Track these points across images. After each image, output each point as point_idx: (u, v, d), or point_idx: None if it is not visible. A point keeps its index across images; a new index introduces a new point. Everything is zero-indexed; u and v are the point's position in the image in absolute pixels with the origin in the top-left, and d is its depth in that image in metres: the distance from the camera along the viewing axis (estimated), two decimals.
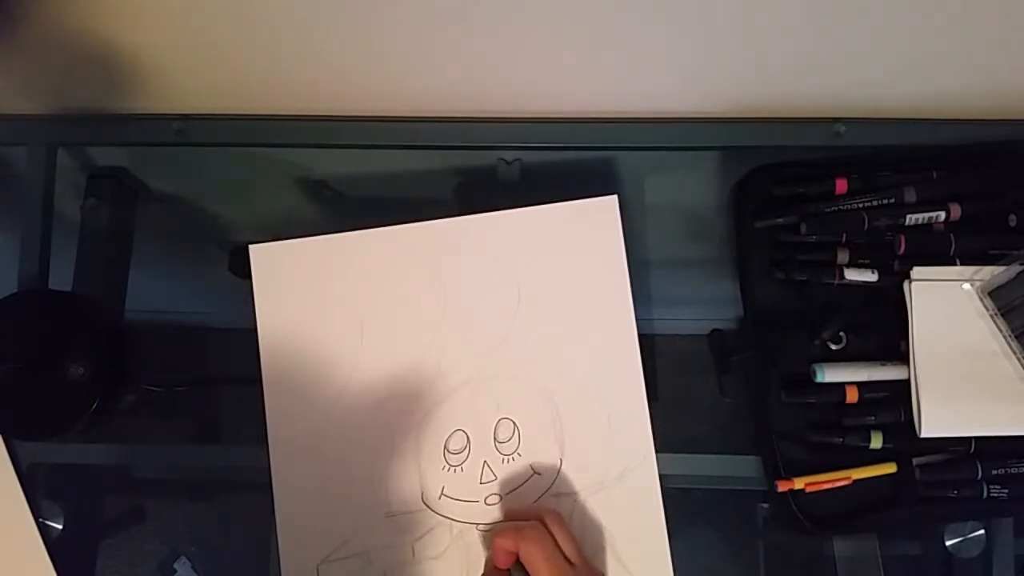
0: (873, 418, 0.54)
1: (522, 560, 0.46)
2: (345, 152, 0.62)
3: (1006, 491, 0.53)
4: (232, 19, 0.50)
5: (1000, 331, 0.53)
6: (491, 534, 0.49)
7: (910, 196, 0.55)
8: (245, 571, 0.59)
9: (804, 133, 0.59)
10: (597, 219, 0.54)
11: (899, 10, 0.47)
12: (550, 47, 0.52)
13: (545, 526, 0.47)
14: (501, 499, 0.52)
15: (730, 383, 0.58)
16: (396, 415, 0.53)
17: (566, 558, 0.46)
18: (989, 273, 0.53)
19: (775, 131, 0.60)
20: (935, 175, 0.56)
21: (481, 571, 0.51)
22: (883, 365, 0.54)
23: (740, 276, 0.58)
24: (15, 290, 0.59)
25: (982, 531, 0.56)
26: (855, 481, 0.53)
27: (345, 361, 0.53)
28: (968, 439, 0.53)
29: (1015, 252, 0.53)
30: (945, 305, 0.53)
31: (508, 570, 0.48)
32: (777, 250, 0.57)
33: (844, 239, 0.56)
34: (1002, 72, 0.54)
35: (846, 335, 0.55)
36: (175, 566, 0.58)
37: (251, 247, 0.54)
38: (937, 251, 0.55)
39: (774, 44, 0.51)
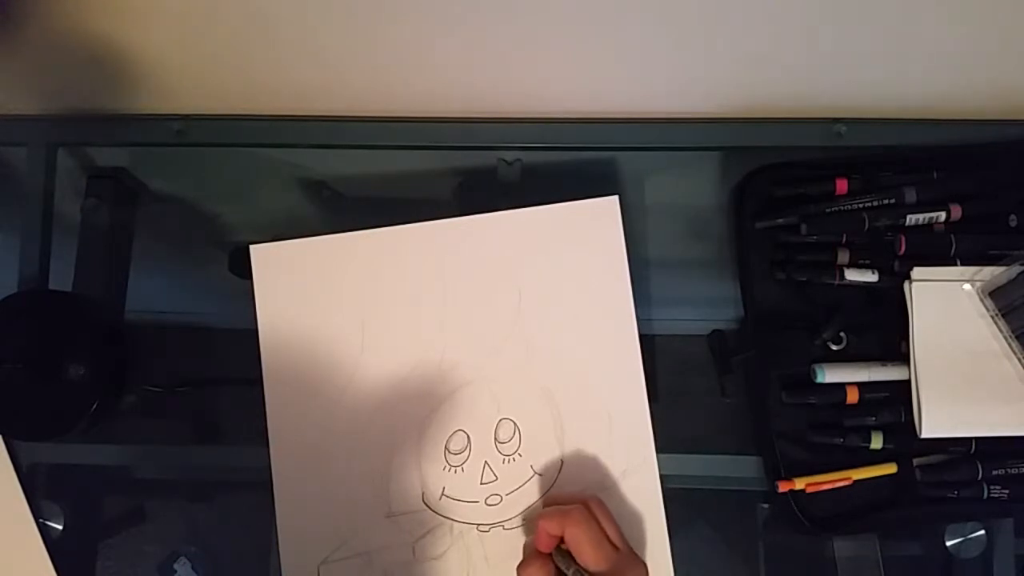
0: (873, 418, 0.54)
1: (567, 543, 0.46)
2: (345, 152, 0.62)
3: (1007, 492, 0.53)
4: (232, 19, 0.50)
5: (1001, 332, 0.53)
6: (534, 518, 0.49)
7: (910, 196, 0.55)
8: (245, 571, 0.59)
9: (804, 133, 0.59)
10: (598, 220, 0.54)
11: (899, 10, 0.47)
12: (550, 47, 0.52)
13: (589, 511, 0.47)
14: (502, 500, 0.52)
15: (730, 383, 0.58)
16: (397, 416, 0.53)
17: (611, 543, 0.46)
18: (990, 273, 0.53)
19: (775, 131, 0.60)
20: (935, 175, 0.56)
21: (481, 571, 0.51)
22: (883, 365, 0.54)
23: (740, 276, 0.58)
24: (15, 290, 0.59)
25: (982, 531, 0.56)
26: (855, 481, 0.53)
27: (346, 361, 0.53)
28: (968, 440, 0.54)
29: (1016, 252, 0.53)
30: (946, 306, 0.53)
31: (550, 554, 0.47)
32: (777, 250, 0.57)
33: (844, 239, 0.56)
34: (1002, 72, 0.54)
35: (846, 335, 0.55)
36: (175, 566, 0.58)
37: (252, 247, 0.54)
38: (938, 251, 0.55)
39: (774, 44, 0.51)
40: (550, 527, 0.46)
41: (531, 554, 0.49)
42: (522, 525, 0.52)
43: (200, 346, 0.61)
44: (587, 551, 0.45)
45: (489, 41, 0.51)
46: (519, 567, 0.48)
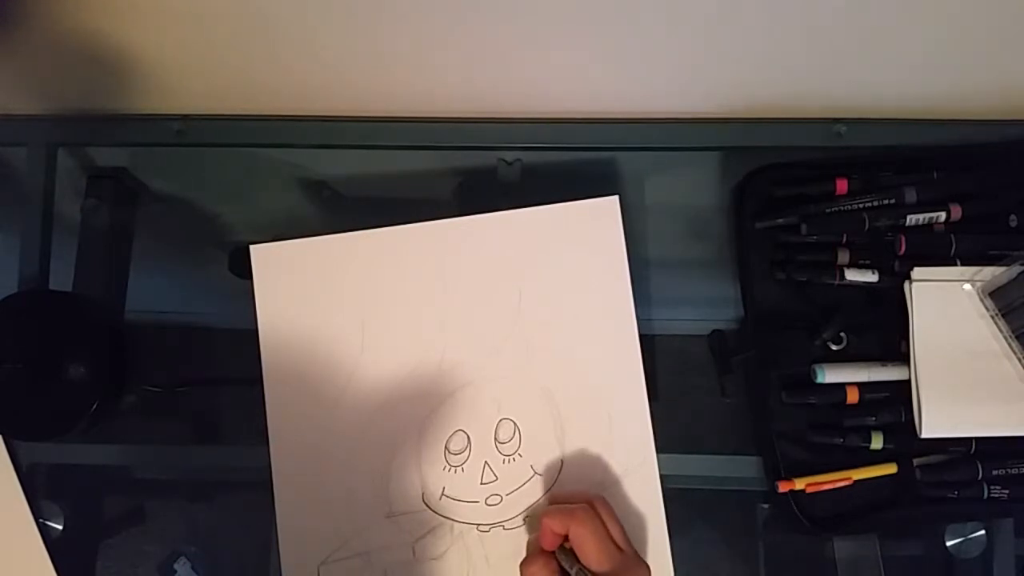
0: (874, 419, 0.54)
1: (572, 542, 0.46)
2: (345, 152, 0.62)
3: (1007, 491, 0.53)
4: (232, 19, 0.50)
5: (1001, 332, 0.53)
6: (539, 515, 0.49)
7: (910, 196, 0.55)
8: (245, 571, 0.59)
9: (804, 133, 0.59)
10: (598, 220, 0.54)
11: (899, 10, 0.47)
12: (550, 47, 0.52)
13: (594, 511, 0.47)
14: (502, 500, 0.52)
15: (730, 383, 0.58)
16: (397, 416, 0.53)
17: (615, 544, 0.46)
18: (990, 273, 0.53)
19: (775, 131, 0.60)
20: (935, 175, 0.56)
21: (481, 571, 0.51)
22: (884, 366, 0.54)
23: (740, 276, 0.58)
24: (15, 290, 0.59)
25: (983, 531, 0.56)
26: (856, 482, 0.53)
27: (346, 362, 0.53)
28: (969, 440, 0.54)
29: (1016, 252, 0.53)
30: (946, 306, 0.53)
31: (553, 552, 0.47)
32: (777, 250, 0.57)
33: (844, 239, 0.56)
34: (1002, 72, 0.54)
35: (846, 335, 0.55)
36: (175, 566, 0.58)
37: (252, 247, 0.54)
38: (938, 251, 0.55)
39: (774, 44, 0.51)
40: (555, 525, 0.46)
41: (535, 552, 0.49)
42: (522, 525, 0.52)
43: (200, 346, 0.61)
44: (591, 551, 0.45)
45: (489, 41, 0.51)
46: (522, 564, 0.48)
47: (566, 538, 0.47)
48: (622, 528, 0.47)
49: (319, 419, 0.53)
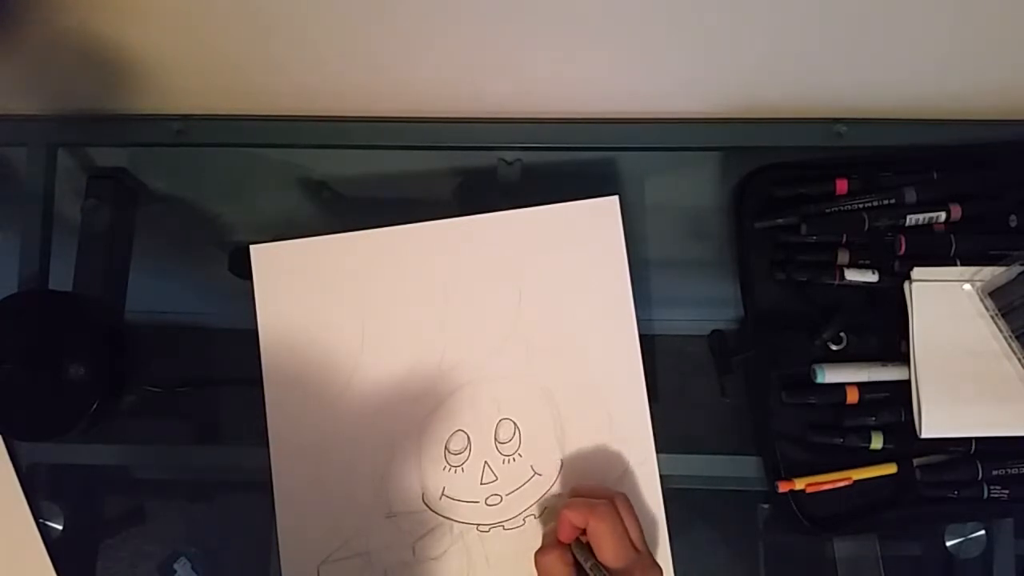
0: (873, 419, 0.54)
1: (589, 536, 0.46)
2: (345, 152, 0.62)
3: (1007, 492, 0.53)
4: (232, 19, 0.50)
5: (1000, 331, 0.53)
6: (559, 507, 0.49)
7: (910, 196, 0.55)
8: (245, 571, 0.59)
9: (804, 133, 0.59)
10: (598, 220, 0.54)
11: (899, 11, 0.47)
12: (550, 47, 0.52)
13: (615, 507, 0.47)
14: (502, 500, 0.52)
15: (730, 383, 0.58)
16: (397, 415, 0.53)
17: (632, 542, 0.46)
18: (990, 273, 0.53)
19: (775, 131, 0.60)
20: (935, 175, 0.56)
21: (481, 571, 0.51)
22: (883, 366, 0.54)
23: (740, 276, 0.58)
24: (15, 290, 0.59)
25: (983, 532, 0.56)
26: (855, 482, 0.53)
27: (346, 361, 0.53)
28: (969, 440, 0.53)
29: (1016, 252, 0.53)
30: (945, 306, 0.53)
31: (568, 545, 0.47)
32: (777, 251, 0.57)
33: (844, 240, 0.56)
34: (1002, 72, 0.54)
35: (846, 335, 0.55)
36: (175, 566, 0.58)
37: (252, 247, 0.54)
38: (937, 251, 0.55)
39: (774, 44, 0.51)
40: (574, 518, 0.46)
41: (551, 543, 0.49)
42: (522, 525, 0.52)
43: (200, 346, 0.61)
44: (607, 547, 0.45)
45: (489, 41, 0.51)
46: (537, 553, 0.48)
47: (583, 532, 0.47)
48: (640, 528, 0.47)
49: (319, 419, 0.53)
